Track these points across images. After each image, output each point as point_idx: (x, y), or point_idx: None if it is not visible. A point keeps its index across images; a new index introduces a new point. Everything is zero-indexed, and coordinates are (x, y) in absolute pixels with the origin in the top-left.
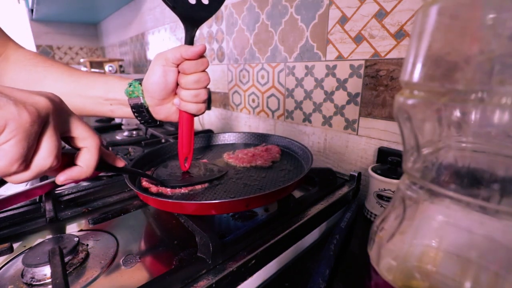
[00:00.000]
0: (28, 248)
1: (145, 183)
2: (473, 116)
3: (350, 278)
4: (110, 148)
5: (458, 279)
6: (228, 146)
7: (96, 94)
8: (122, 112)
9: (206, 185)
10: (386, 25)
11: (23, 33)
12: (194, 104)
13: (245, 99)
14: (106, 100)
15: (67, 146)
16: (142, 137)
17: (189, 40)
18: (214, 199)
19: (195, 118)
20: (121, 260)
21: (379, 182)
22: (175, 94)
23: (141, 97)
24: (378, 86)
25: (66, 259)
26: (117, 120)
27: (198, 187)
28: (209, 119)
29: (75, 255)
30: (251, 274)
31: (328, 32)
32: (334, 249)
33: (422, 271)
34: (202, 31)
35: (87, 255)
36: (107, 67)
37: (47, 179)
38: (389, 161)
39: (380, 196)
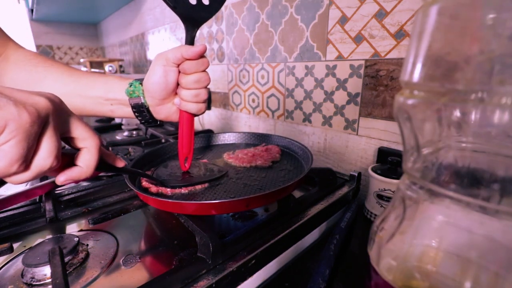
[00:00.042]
0: (28, 248)
1: (145, 183)
2: (473, 116)
3: (350, 278)
4: (110, 148)
5: (458, 279)
6: (228, 146)
7: (96, 94)
8: (122, 112)
9: (206, 185)
10: (386, 25)
11: (23, 33)
12: (195, 104)
13: (245, 99)
14: (106, 100)
15: (67, 146)
16: (142, 137)
17: (190, 40)
18: (214, 199)
19: (195, 118)
20: (121, 260)
21: (379, 182)
22: (176, 94)
23: (141, 97)
24: (378, 86)
25: (66, 259)
26: (117, 120)
27: (198, 187)
28: (209, 119)
29: (75, 255)
30: (251, 274)
31: (328, 32)
32: (334, 249)
33: (422, 271)
34: (202, 31)
35: (87, 255)
36: (107, 67)
37: (47, 179)
38: (389, 161)
39: (380, 196)
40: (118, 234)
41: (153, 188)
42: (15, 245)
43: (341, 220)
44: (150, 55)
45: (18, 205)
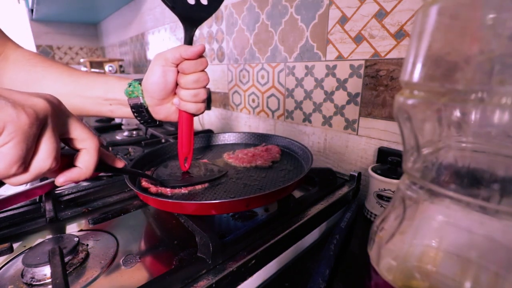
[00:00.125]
0: (28, 248)
1: (144, 183)
2: (473, 116)
3: (350, 278)
4: (110, 148)
5: (458, 279)
6: (228, 146)
7: (96, 94)
8: (122, 112)
9: (206, 185)
10: (386, 25)
11: (23, 33)
12: (194, 104)
13: (245, 99)
14: (105, 100)
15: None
16: (142, 137)
17: (188, 40)
18: (214, 199)
19: (195, 118)
20: (121, 260)
21: (379, 182)
22: (175, 94)
23: (140, 97)
24: (378, 86)
25: (66, 259)
26: (117, 120)
27: (198, 187)
28: (209, 119)
29: (75, 255)
30: (251, 274)
31: (328, 32)
32: (334, 249)
33: (422, 271)
34: (202, 31)
35: (87, 255)
36: (107, 67)
37: (47, 179)
38: (389, 161)
39: (380, 196)
40: (118, 234)
41: (153, 188)
42: (15, 245)
43: (341, 220)
44: (150, 55)
45: (18, 205)
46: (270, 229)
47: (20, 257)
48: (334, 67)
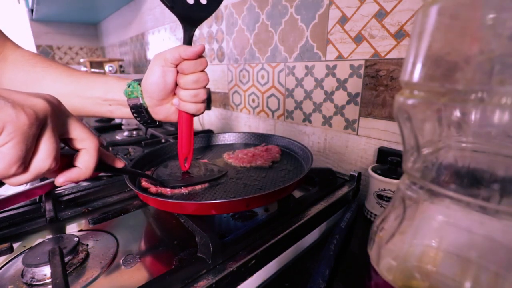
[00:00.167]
0: (28, 248)
1: (144, 183)
2: (473, 116)
3: (350, 278)
4: (110, 148)
5: (458, 279)
6: (228, 146)
7: (95, 94)
8: (121, 112)
9: (206, 185)
10: (386, 25)
11: (23, 33)
12: (193, 104)
13: (245, 99)
14: (105, 101)
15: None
16: (142, 137)
17: (188, 40)
18: (214, 199)
19: (195, 118)
20: (121, 260)
21: (379, 182)
22: (174, 94)
23: (140, 98)
24: (378, 86)
25: (66, 259)
26: (117, 120)
27: (198, 187)
28: (209, 119)
29: (75, 255)
30: (251, 274)
31: (328, 32)
32: (334, 249)
33: (422, 271)
34: (202, 31)
35: (87, 255)
36: (107, 67)
37: (47, 179)
38: (389, 161)
39: (380, 196)
40: (118, 234)
41: (153, 188)
42: (15, 245)
43: (341, 220)
44: (150, 55)
45: (18, 205)
46: (270, 229)
47: (20, 257)
48: (334, 67)
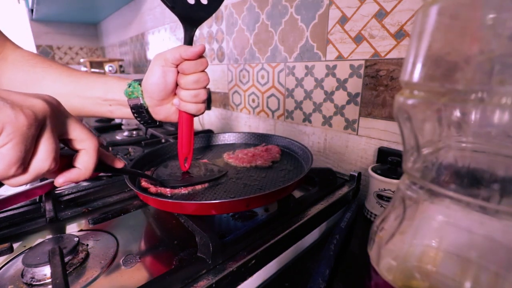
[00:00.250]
0: (28, 248)
1: (144, 183)
2: (473, 116)
3: (350, 278)
4: (110, 148)
5: (458, 279)
6: (228, 146)
7: (95, 94)
8: (121, 112)
9: (206, 185)
10: (386, 25)
11: (23, 33)
12: (194, 104)
13: (245, 99)
14: (105, 101)
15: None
16: (142, 137)
17: (188, 40)
18: (214, 199)
19: (195, 118)
20: (121, 260)
21: (379, 182)
22: (175, 94)
23: (140, 98)
24: (378, 86)
25: (66, 259)
26: (117, 120)
27: (198, 187)
28: (209, 119)
29: (75, 255)
30: (251, 274)
31: (328, 32)
32: (334, 249)
33: (422, 271)
34: (202, 31)
35: (87, 255)
36: (107, 67)
37: (47, 179)
38: (389, 161)
39: (380, 196)
40: (118, 234)
41: (152, 189)
42: (15, 245)
43: (341, 220)
44: (150, 55)
45: (18, 205)
46: (270, 229)
47: (20, 257)
48: (334, 67)
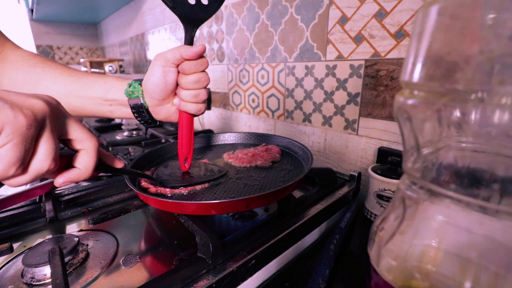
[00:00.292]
0: (28, 248)
1: (144, 183)
2: (473, 116)
3: (350, 278)
4: (110, 148)
5: (458, 279)
6: (228, 146)
7: (95, 94)
8: (121, 112)
9: (206, 185)
10: (386, 25)
11: (23, 33)
12: (194, 104)
13: (245, 99)
14: (105, 101)
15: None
16: (142, 137)
17: (189, 40)
18: (214, 199)
19: (195, 118)
20: (121, 260)
21: (379, 182)
22: (175, 94)
23: (141, 98)
24: (378, 86)
25: (66, 259)
26: (117, 120)
27: (198, 187)
28: (209, 119)
29: (75, 255)
30: (251, 274)
31: (328, 32)
32: (334, 249)
33: (422, 271)
34: (202, 31)
35: (87, 255)
36: (107, 67)
37: (47, 179)
38: (389, 161)
39: (380, 196)
40: (118, 234)
41: (152, 189)
42: (15, 245)
43: (341, 220)
44: (150, 55)
45: (18, 205)
46: (270, 229)
47: (20, 257)
48: (334, 67)
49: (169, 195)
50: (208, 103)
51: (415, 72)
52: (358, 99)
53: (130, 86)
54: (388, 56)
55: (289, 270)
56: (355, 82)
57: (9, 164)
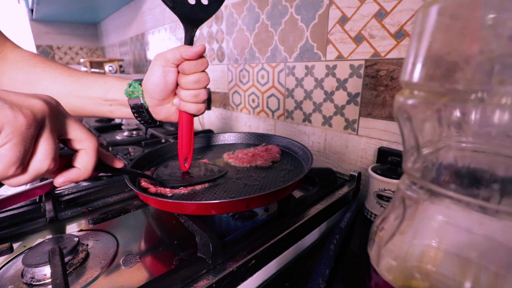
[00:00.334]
0: (28, 248)
1: (144, 183)
2: (473, 116)
3: (350, 278)
4: (110, 148)
5: (458, 279)
6: (228, 146)
7: (95, 94)
8: (121, 112)
9: (206, 185)
10: (386, 25)
11: (23, 33)
12: (194, 104)
13: (245, 99)
14: (105, 101)
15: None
16: (142, 137)
17: (189, 40)
18: (214, 199)
19: (195, 118)
20: (121, 260)
21: (379, 182)
22: (175, 94)
23: (141, 98)
24: (378, 86)
25: (66, 259)
26: (117, 120)
27: (198, 187)
28: (209, 119)
29: (75, 255)
30: (251, 274)
31: (328, 32)
32: (334, 249)
33: (422, 271)
34: (202, 31)
35: (87, 255)
36: (107, 67)
37: (47, 179)
38: (389, 161)
39: (380, 196)
40: (118, 234)
41: (152, 189)
42: (15, 245)
43: (341, 220)
44: (150, 55)
45: (18, 205)
46: (270, 229)
47: (20, 257)
48: (334, 67)
49: (169, 195)
50: (208, 103)
51: (415, 72)
52: (358, 99)
53: (130, 86)
54: (388, 56)
55: (289, 270)
56: (355, 82)
57: (9, 164)
